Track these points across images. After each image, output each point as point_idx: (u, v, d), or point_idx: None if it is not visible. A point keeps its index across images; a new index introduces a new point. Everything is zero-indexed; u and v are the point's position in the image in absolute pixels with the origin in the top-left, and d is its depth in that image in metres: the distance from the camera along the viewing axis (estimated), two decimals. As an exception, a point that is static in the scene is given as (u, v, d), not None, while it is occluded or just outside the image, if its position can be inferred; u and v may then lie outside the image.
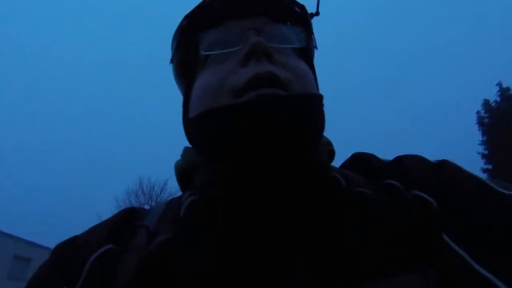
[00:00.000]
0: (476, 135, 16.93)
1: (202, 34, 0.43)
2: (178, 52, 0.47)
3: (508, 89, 16.64)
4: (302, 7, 0.46)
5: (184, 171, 0.43)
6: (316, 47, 0.49)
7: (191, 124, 0.42)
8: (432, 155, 0.41)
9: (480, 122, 16.94)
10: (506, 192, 0.33)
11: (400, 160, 0.41)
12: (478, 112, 17.15)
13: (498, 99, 16.73)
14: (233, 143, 0.35)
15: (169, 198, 0.46)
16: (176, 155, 0.46)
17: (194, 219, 0.35)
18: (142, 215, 0.42)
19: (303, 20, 0.46)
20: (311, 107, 0.38)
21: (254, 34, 0.40)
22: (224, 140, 0.36)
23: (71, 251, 0.38)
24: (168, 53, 0.49)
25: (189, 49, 0.44)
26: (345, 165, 0.46)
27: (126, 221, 0.41)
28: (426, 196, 0.34)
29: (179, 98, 0.49)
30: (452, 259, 0.29)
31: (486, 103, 16.94)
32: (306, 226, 0.33)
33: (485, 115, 16.80)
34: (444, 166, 0.38)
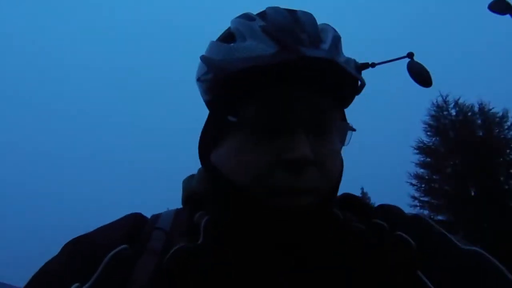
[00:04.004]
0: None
1: (253, 91, 0.41)
2: (214, 84, 0.44)
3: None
4: (353, 78, 0.42)
5: (194, 193, 0.51)
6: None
7: (219, 180, 0.43)
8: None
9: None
10: (463, 246, 0.42)
11: (384, 207, 0.51)
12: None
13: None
14: (254, 230, 0.40)
15: (175, 209, 0.50)
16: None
17: (212, 234, 0.40)
18: (151, 221, 0.46)
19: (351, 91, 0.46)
20: (328, 214, 0.44)
21: (303, 133, 0.40)
22: (246, 224, 0.41)
23: (86, 248, 0.39)
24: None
25: (229, 93, 0.43)
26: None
27: (139, 224, 0.45)
28: (408, 237, 0.41)
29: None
30: None
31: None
32: (311, 252, 0.40)
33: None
34: (420, 219, 0.47)
